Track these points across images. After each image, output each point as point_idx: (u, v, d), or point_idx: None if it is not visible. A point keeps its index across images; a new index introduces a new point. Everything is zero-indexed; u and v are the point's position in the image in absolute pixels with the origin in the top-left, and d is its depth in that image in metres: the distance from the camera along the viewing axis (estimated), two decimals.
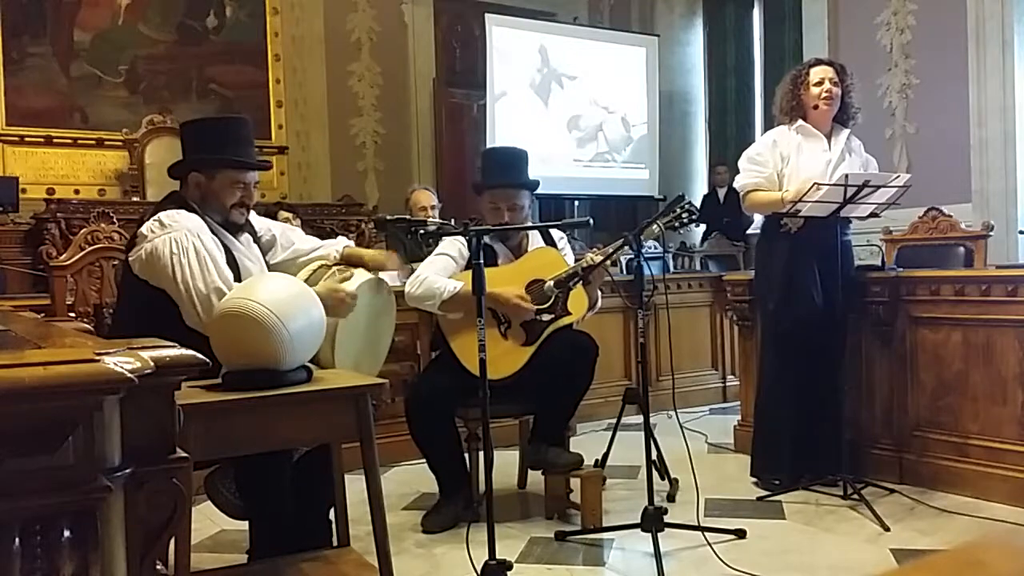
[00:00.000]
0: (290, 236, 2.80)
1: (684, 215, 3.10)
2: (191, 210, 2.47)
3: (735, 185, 3.62)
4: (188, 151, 2.60)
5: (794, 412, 3.41)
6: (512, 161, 3.37)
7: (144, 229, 2.41)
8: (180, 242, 2.34)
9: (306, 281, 2.41)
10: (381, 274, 2.74)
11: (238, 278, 2.42)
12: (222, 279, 2.34)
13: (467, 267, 3.15)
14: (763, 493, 3.37)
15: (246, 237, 2.63)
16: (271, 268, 2.66)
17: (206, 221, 2.46)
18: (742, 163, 3.53)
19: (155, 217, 2.42)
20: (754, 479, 3.54)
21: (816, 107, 3.41)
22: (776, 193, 3.37)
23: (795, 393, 3.41)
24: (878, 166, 3.58)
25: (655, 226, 3.05)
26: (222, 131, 2.64)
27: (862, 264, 3.95)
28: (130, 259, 2.42)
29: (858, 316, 3.54)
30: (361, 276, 2.58)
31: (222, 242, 2.47)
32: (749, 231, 6.73)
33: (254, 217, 2.71)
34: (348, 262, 2.69)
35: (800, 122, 3.44)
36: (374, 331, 2.70)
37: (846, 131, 3.49)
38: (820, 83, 3.42)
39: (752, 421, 3.76)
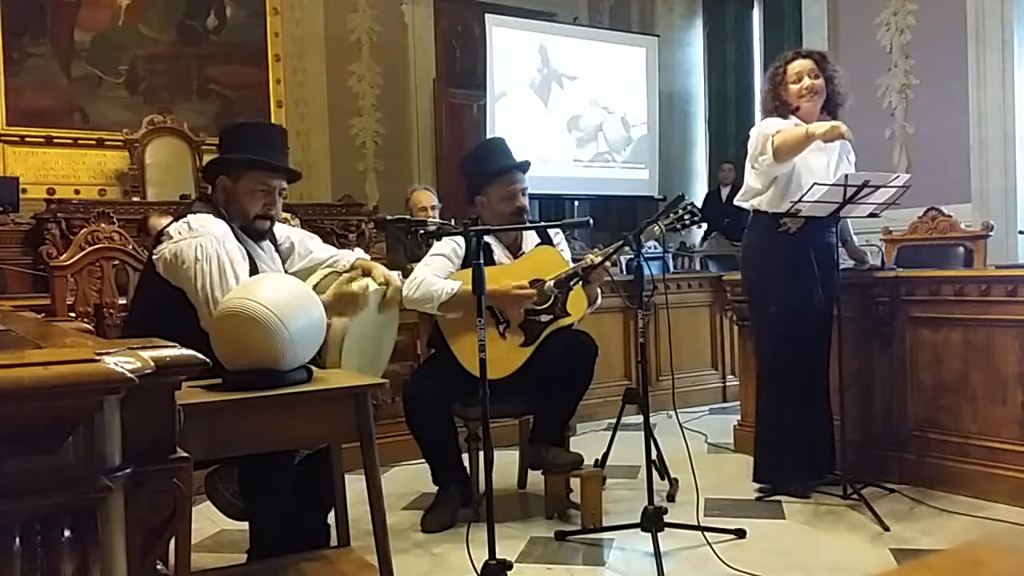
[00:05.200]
0: (308, 245, 2.82)
1: (686, 216, 3.09)
2: (219, 215, 2.50)
3: (754, 143, 3.33)
4: (220, 152, 2.65)
5: (801, 415, 3.35)
6: (506, 148, 3.37)
7: (172, 230, 2.44)
8: (205, 248, 2.37)
9: (314, 287, 2.42)
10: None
11: None
12: None
13: (464, 266, 3.14)
14: (763, 493, 3.37)
15: (267, 245, 2.65)
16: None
17: (232, 227, 2.49)
18: (756, 131, 3.34)
19: (185, 219, 2.46)
20: (760, 485, 3.43)
21: (799, 108, 3.33)
22: (800, 128, 3.14)
23: (800, 396, 3.36)
24: (855, 157, 3.52)
25: (656, 227, 3.04)
26: (253, 135, 2.68)
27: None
28: (154, 257, 2.45)
29: (858, 316, 3.54)
30: (369, 284, 2.59)
31: (246, 249, 2.50)
32: None
33: (276, 225, 2.73)
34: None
35: (795, 120, 3.34)
36: (377, 342, 2.72)
37: None
38: (799, 79, 3.33)
39: (754, 424, 3.74)
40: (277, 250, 2.71)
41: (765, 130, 3.28)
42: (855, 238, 3.63)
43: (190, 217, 2.47)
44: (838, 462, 3.35)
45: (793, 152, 3.18)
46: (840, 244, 3.50)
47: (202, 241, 2.38)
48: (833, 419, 3.38)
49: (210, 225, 2.44)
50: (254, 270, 2.48)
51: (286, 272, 2.68)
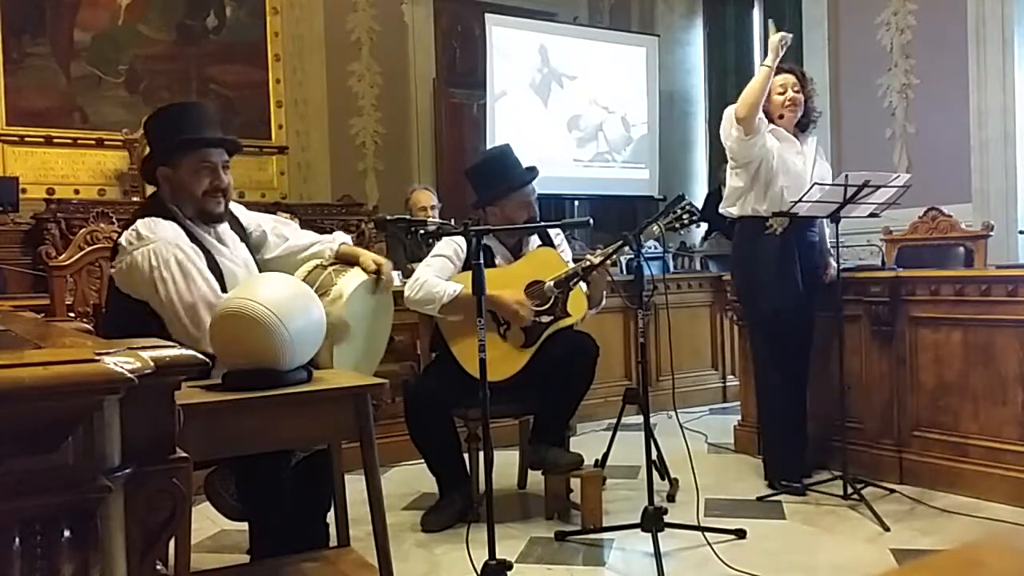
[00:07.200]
0: (282, 231, 2.69)
1: (684, 216, 3.09)
2: (169, 215, 2.39)
3: (723, 128, 3.46)
4: (151, 146, 2.52)
5: (799, 410, 3.45)
6: (515, 158, 3.37)
7: (122, 240, 2.34)
8: (160, 254, 2.27)
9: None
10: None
11: (222, 284, 2.36)
12: (209, 288, 2.29)
13: (465, 267, 3.14)
14: (763, 493, 3.37)
15: (231, 237, 2.53)
16: (266, 265, 2.59)
17: (184, 226, 2.39)
18: (722, 125, 3.46)
19: (133, 227, 2.35)
20: (770, 485, 3.43)
21: (782, 116, 3.42)
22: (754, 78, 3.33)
23: (795, 393, 3.43)
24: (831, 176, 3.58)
25: (655, 227, 3.04)
26: (177, 117, 2.52)
27: (862, 264, 3.95)
28: (112, 272, 2.37)
29: (858, 316, 3.55)
30: (357, 276, 2.52)
31: (203, 247, 2.40)
32: None
33: (243, 212, 2.63)
34: (343, 261, 2.60)
35: (772, 126, 3.43)
36: (372, 331, 2.65)
37: (811, 137, 3.53)
38: (783, 91, 3.42)
39: (757, 426, 3.76)
40: (245, 240, 2.58)
41: (726, 114, 3.41)
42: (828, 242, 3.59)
43: (138, 223, 2.34)
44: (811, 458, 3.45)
45: (755, 100, 3.28)
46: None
47: (154, 248, 2.28)
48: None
49: (160, 230, 2.32)
50: (213, 267, 2.38)
51: (261, 261, 2.60)
